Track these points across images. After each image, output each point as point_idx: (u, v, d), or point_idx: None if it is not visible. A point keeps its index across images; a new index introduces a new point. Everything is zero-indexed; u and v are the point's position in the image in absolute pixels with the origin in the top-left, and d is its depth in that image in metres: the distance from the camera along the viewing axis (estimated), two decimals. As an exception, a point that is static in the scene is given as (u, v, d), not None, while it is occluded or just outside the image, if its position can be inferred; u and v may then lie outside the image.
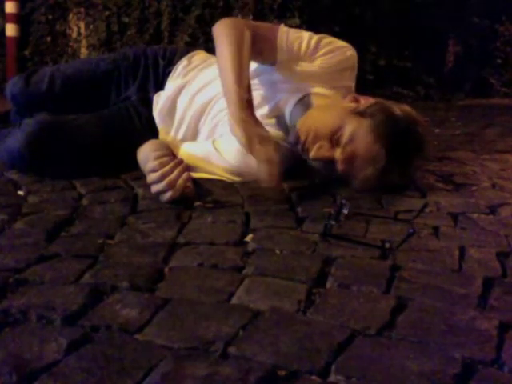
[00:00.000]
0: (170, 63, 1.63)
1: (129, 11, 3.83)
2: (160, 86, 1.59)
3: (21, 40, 3.88)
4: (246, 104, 1.23)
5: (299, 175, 1.38)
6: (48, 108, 1.54)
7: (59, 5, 3.91)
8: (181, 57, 1.63)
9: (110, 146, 1.44)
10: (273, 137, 1.24)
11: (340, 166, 1.25)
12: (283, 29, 1.41)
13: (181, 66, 1.60)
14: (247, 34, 1.33)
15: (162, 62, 1.63)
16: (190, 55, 1.64)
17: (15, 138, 1.38)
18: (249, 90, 1.26)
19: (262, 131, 1.21)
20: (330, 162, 1.26)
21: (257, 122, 1.22)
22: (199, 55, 1.66)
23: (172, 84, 1.57)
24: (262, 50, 1.39)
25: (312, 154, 1.26)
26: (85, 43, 3.91)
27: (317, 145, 1.25)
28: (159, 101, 1.55)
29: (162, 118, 1.53)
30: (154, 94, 1.58)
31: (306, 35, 1.41)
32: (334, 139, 1.25)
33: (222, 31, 1.35)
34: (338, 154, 1.25)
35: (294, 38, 1.40)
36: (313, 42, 1.40)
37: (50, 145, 1.36)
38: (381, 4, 4.23)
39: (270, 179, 1.16)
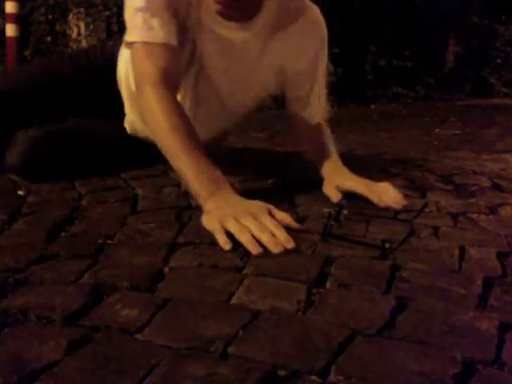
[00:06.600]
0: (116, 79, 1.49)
1: (129, 11, 3.82)
2: (116, 105, 1.49)
3: (21, 40, 3.88)
4: (209, 182, 1.06)
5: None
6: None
7: (59, 5, 3.91)
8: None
9: (107, 144, 1.46)
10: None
11: None
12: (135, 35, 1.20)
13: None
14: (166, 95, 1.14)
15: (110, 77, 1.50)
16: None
17: (11, 155, 1.37)
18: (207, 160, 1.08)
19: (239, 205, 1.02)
20: None
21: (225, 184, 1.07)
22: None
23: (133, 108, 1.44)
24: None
25: None
26: (85, 43, 3.91)
27: None
28: (131, 125, 1.49)
29: None
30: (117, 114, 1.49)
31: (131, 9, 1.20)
32: None
33: (149, 121, 1.18)
34: None
35: (140, 22, 1.18)
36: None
37: (46, 157, 1.37)
38: (381, 4, 4.23)
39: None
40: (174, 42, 1.20)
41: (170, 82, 1.17)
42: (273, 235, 0.94)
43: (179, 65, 1.24)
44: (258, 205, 1.02)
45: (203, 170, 1.07)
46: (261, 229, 0.95)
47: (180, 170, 1.10)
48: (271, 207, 1.02)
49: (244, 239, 0.93)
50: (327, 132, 1.41)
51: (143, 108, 1.18)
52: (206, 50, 1.30)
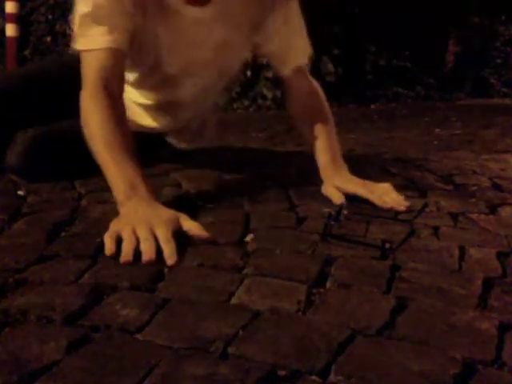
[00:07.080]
0: None
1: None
2: None
3: (21, 40, 3.88)
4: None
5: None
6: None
7: (59, 5, 3.91)
8: None
9: None
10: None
11: None
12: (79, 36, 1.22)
13: None
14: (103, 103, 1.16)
15: None
16: None
17: (11, 155, 1.37)
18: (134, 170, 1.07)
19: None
20: None
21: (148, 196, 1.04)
22: None
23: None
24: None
25: None
26: (85, 43, 3.91)
27: None
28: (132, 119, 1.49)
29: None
30: None
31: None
32: None
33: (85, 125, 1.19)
34: None
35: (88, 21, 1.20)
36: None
37: (46, 157, 1.37)
38: (381, 4, 4.23)
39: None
40: (117, 45, 1.20)
41: (109, 86, 1.18)
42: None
43: (123, 66, 1.25)
44: (162, 215, 0.98)
45: (125, 175, 1.06)
46: (147, 240, 0.92)
47: (105, 174, 1.09)
48: (181, 216, 0.99)
49: (125, 249, 0.90)
50: (330, 123, 1.38)
51: (81, 111, 1.19)
52: (175, 32, 1.31)
